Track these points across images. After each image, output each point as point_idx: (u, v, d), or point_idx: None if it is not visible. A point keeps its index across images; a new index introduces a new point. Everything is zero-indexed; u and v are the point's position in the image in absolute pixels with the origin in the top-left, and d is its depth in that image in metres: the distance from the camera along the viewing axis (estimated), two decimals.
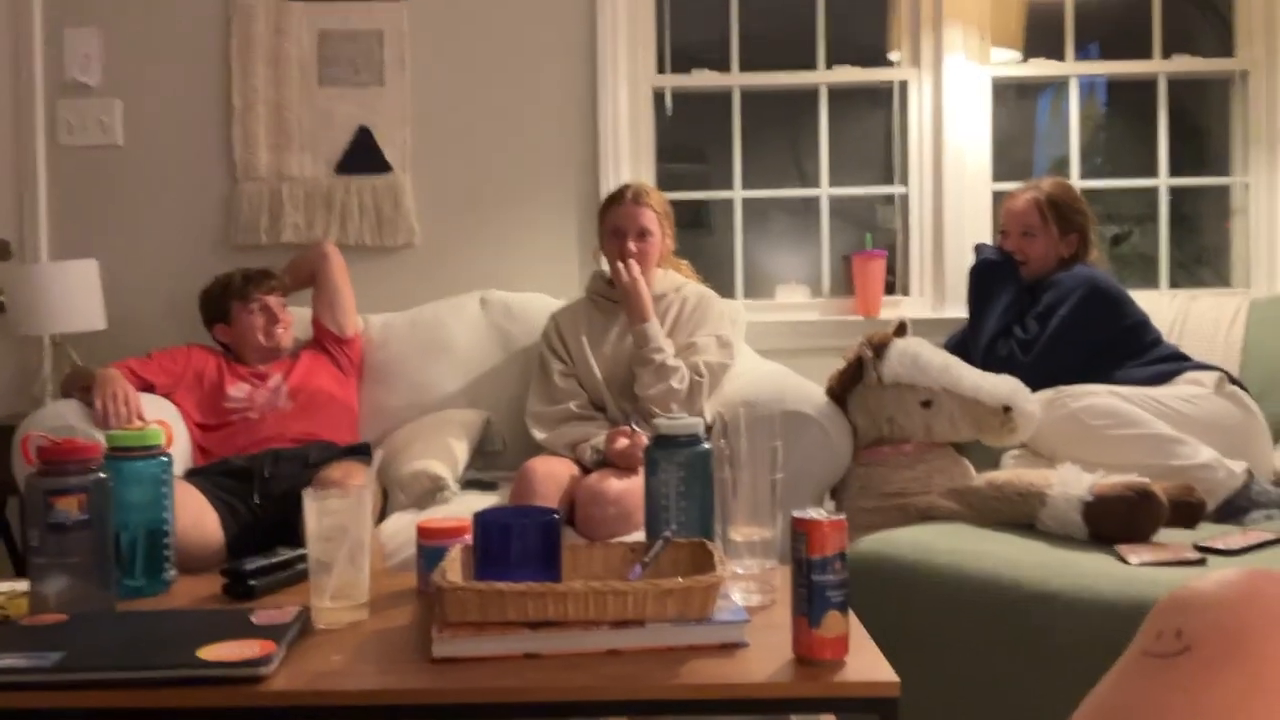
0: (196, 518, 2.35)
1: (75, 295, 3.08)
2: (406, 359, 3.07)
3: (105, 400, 2.49)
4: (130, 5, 3.37)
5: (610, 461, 2.49)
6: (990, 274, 2.81)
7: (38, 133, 3.37)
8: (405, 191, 3.34)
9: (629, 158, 3.38)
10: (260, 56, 3.33)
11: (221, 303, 2.90)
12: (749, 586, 1.42)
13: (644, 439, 2.45)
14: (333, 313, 3.02)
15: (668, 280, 2.81)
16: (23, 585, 1.50)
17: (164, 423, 1.65)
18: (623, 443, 2.46)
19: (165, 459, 1.62)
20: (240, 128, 3.34)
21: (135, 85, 3.37)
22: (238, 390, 2.80)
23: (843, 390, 2.50)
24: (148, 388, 2.73)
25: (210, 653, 1.19)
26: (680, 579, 1.27)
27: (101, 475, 1.45)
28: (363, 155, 3.34)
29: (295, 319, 3.00)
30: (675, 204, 2.92)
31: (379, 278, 3.31)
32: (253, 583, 1.53)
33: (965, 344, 2.82)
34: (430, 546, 1.55)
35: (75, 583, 1.42)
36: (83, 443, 1.46)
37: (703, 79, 3.50)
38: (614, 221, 2.74)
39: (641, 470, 1.62)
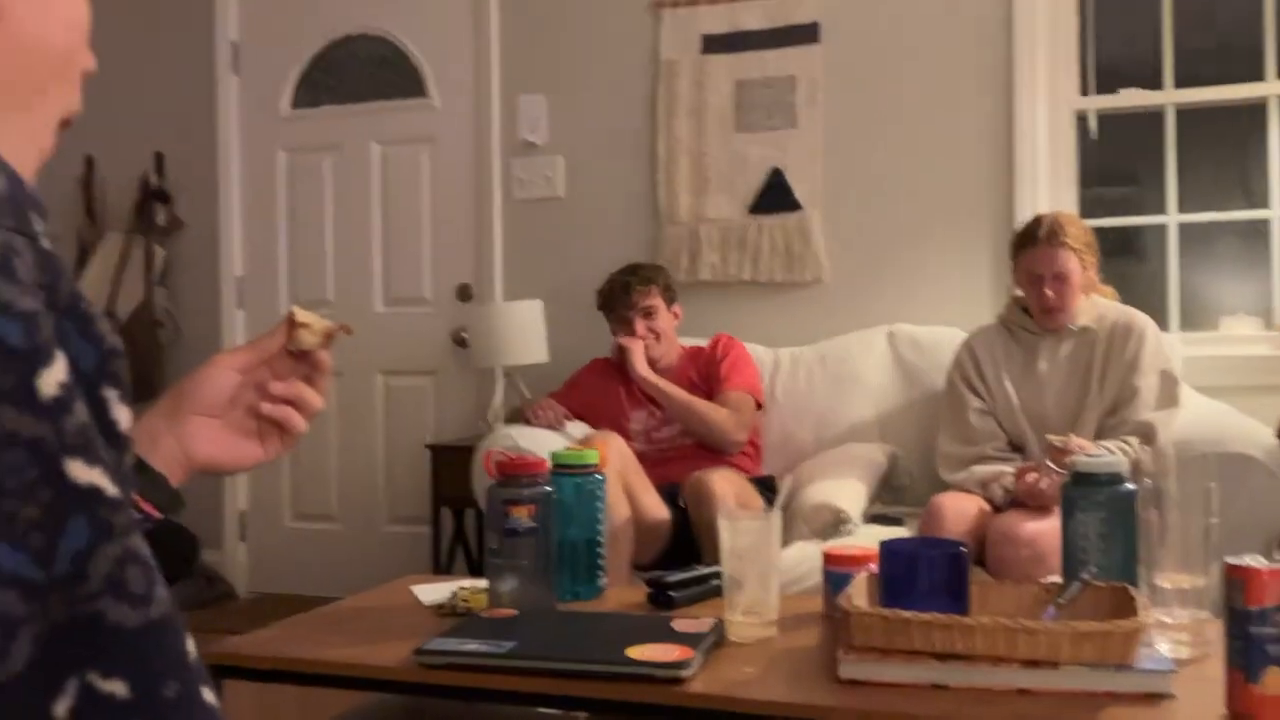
0: (655, 496, 2.63)
1: (524, 331, 3.46)
2: (814, 392, 3.14)
3: (537, 411, 2.98)
4: (572, 72, 3.75)
5: (1020, 500, 2.40)
6: None
7: (494, 189, 3.84)
8: (814, 228, 3.43)
9: (1048, 184, 3.25)
10: (683, 109, 3.58)
11: (605, 312, 3.14)
12: (1178, 637, 1.33)
13: (1057, 476, 2.34)
14: None
15: (1091, 310, 2.64)
16: (482, 583, 1.72)
17: (601, 443, 1.82)
18: (1032, 478, 2.36)
19: (599, 477, 1.79)
20: (664, 175, 3.60)
21: (575, 142, 3.75)
22: (638, 423, 2.99)
23: None
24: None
25: (637, 653, 1.30)
26: (1099, 622, 1.21)
27: (548, 488, 1.63)
28: (775, 195, 3.48)
29: (679, 322, 3.12)
30: (1101, 230, 2.74)
31: (788, 313, 3.42)
32: (673, 594, 1.65)
33: None
34: (837, 572, 1.59)
35: (524, 583, 1.60)
36: (533, 459, 1.65)
37: (1131, 99, 3.29)
38: (1028, 265, 2.59)
39: (1057, 510, 1.56)
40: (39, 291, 0.41)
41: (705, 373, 3.03)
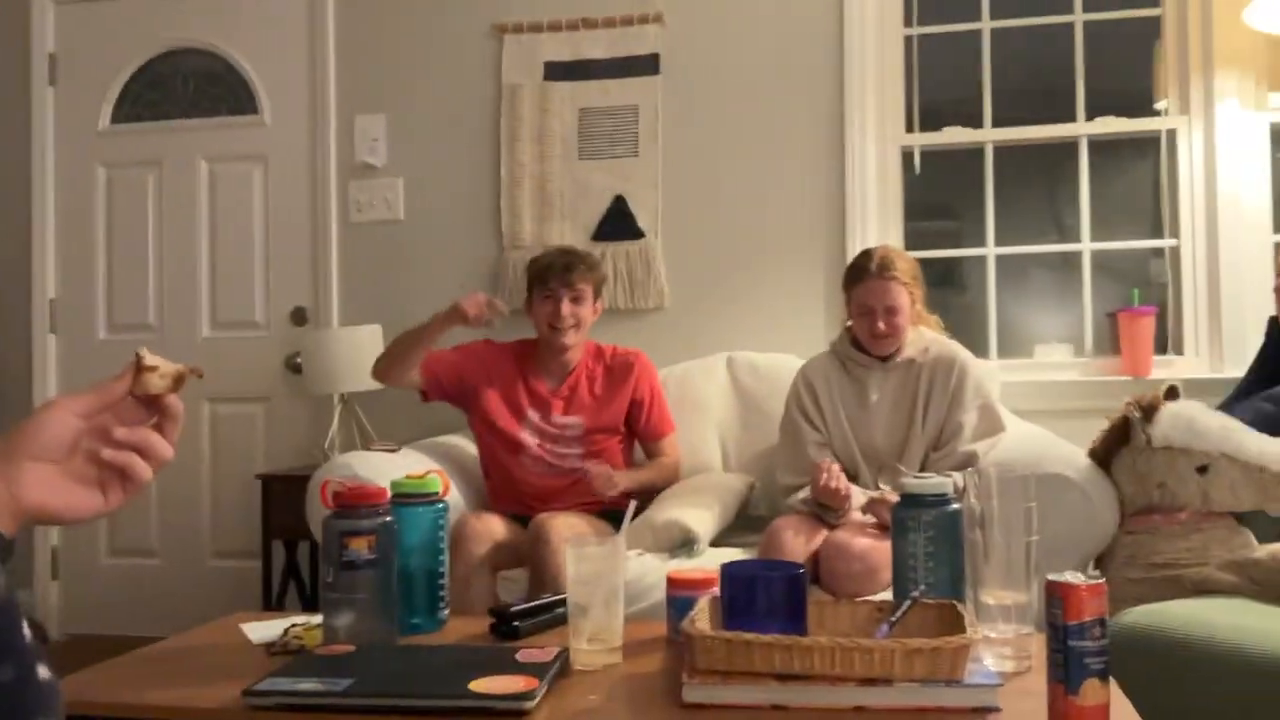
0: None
1: (361, 357, 3.36)
2: None
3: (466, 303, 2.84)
4: (412, 92, 3.70)
5: (821, 503, 2.48)
6: None
7: (331, 211, 3.74)
8: (656, 255, 3.48)
9: (876, 217, 3.38)
10: (527, 134, 3.57)
11: (533, 283, 2.95)
12: (1002, 651, 1.39)
13: (844, 481, 2.46)
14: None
15: (917, 342, 2.73)
16: (317, 618, 1.66)
17: (440, 472, 1.79)
18: (823, 479, 2.44)
19: (441, 505, 1.75)
20: (508, 200, 3.59)
21: (415, 165, 3.69)
22: (530, 428, 2.88)
23: (1106, 453, 2.38)
24: (441, 379, 2.93)
25: (481, 685, 1.27)
26: (929, 639, 1.25)
27: (388, 519, 1.59)
28: (617, 222, 3.51)
29: (596, 319, 2.98)
30: (925, 262, 2.85)
31: (631, 339, 3.44)
32: (517, 624, 1.63)
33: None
34: (680, 596, 1.60)
35: (362, 617, 1.55)
36: (372, 489, 1.61)
37: (953, 136, 3.46)
38: (860, 298, 2.63)
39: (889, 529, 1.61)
40: None
41: (614, 384, 2.95)
